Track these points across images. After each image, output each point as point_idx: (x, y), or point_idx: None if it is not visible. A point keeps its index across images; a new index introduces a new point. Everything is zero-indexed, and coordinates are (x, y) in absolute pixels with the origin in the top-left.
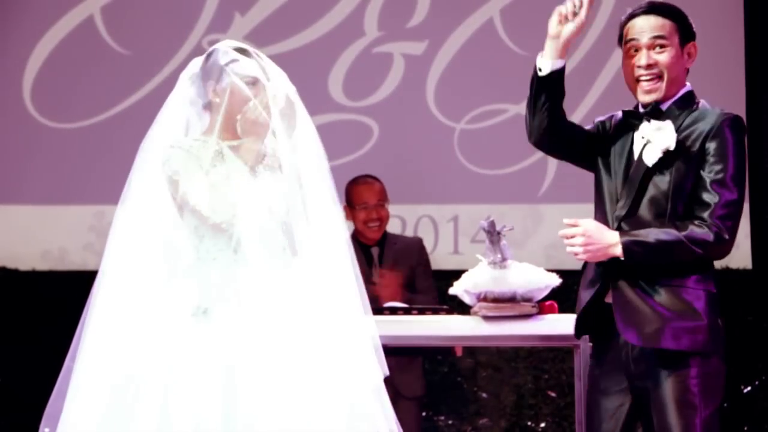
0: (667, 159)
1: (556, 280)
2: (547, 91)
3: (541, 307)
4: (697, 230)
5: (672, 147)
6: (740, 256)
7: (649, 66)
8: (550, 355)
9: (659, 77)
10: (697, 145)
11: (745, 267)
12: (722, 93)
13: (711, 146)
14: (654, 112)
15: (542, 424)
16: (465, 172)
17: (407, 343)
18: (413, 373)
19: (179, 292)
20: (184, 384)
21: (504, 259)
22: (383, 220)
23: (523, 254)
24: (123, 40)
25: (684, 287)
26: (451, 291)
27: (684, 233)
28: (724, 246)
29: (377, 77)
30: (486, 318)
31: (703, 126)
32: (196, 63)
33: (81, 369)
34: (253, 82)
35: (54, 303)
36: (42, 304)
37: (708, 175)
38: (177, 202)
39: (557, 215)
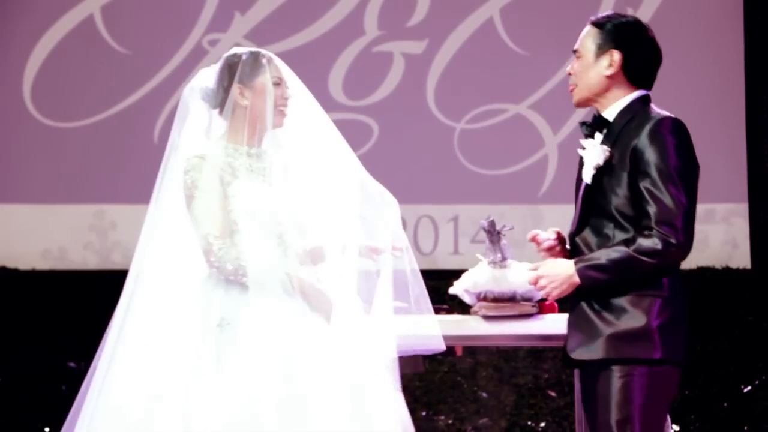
0: (604, 174)
1: None
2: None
3: (541, 307)
4: (643, 242)
5: (600, 163)
6: (740, 256)
7: (568, 74)
8: (550, 355)
9: (576, 85)
10: (630, 155)
11: (745, 267)
12: (722, 93)
13: (643, 155)
14: (597, 123)
15: (542, 424)
16: (465, 172)
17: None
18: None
19: (204, 302)
20: (206, 402)
21: (504, 259)
22: None
23: (523, 254)
24: (123, 40)
25: (632, 296)
26: (451, 291)
27: (632, 247)
28: (676, 250)
29: (377, 77)
30: (486, 318)
31: (636, 135)
32: (208, 72)
33: (113, 380)
34: (279, 83)
35: (54, 302)
36: (42, 304)
37: (644, 184)
38: (189, 214)
39: (557, 215)
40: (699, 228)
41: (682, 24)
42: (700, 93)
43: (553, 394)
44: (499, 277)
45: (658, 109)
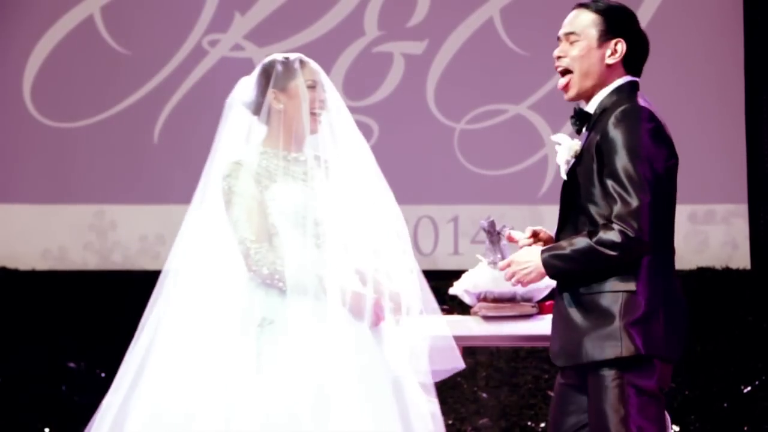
0: (577, 170)
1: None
2: None
3: (541, 307)
4: (604, 234)
5: (568, 158)
6: (740, 256)
7: (558, 58)
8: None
9: (568, 71)
10: (594, 149)
11: (744, 267)
12: (722, 93)
13: (604, 148)
14: (580, 116)
15: (542, 424)
16: (465, 172)
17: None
18: None
19: (244, 302)
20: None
21: (504, 260)
22: None
23: None
24: (123, 40)
25: (601, 293)
26: (451, 291)
27: (594, 239)
28: (635, 245)
29: (377, 77)
30: (486, 318)
31: (603, 126)
32: (248, 80)
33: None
34: (313, 85)
35: (54, 302)
36: (42, 304)
37: (606, 176)
38: (227, 219)
39: (557, 216)
40: (699, 228)
41: (682, 24)
42: (700, 93)
43: (553, 394)
44: (499, 278)
45: (640, 99)
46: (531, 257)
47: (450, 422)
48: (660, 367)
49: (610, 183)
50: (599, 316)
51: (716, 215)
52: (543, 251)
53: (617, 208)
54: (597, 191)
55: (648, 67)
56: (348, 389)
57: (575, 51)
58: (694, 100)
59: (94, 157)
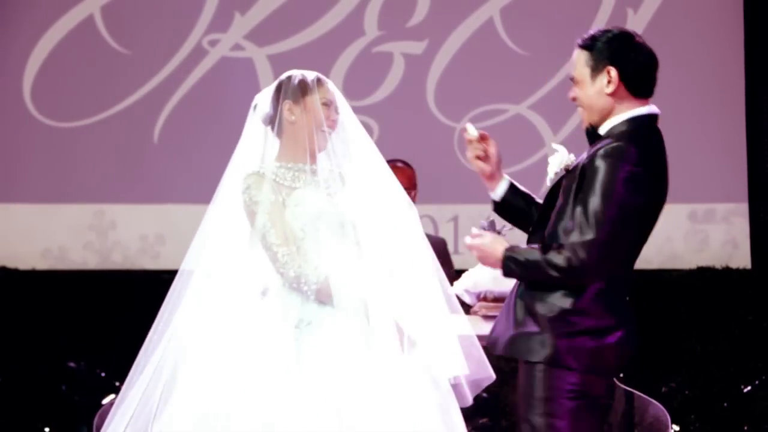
0: (563, 182)
1: None
2: (510, 215)
3: None
4: (554, 255)
5: (557, 170)
6: (740, 256)
7: (573, 99)
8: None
9: (584, 110)
10: (577, 173)
11: (745, 267)
12: (722, 93)
13: (587, 174)
14: (591, 136)
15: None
16: (465, 172)
17: None
18: None
19: (280, 304)
20: (293, 400)
21: None
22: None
23: None
24: (123, 40)
25: (542, 301)
26: (451, 291)
27: (545, 255)
28: (576, 273)
29: (377, 77)
30: (486, 318)
31: (595, 152)
32: (266, 93)
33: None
34: (328, 104)
35: (54, 303)
36: (42, 304)
37: (577, 204)
38: (253, 230)
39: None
40: (699, 227)
41: (682, 24)
42: (700, 93)
43: None
44: (499, 277)
45: (645, 139)
46: (495, 248)
47: None
48: (583, 376)
49: (578, 210)
50: (534, 320)
51: (716, 214)
52: (506, 249)
53: (573, 235)
54: (569, 210)
55: None
56: (387, 386)
57: (578, 92)
58: (695, 99)
59: (94, 157)
